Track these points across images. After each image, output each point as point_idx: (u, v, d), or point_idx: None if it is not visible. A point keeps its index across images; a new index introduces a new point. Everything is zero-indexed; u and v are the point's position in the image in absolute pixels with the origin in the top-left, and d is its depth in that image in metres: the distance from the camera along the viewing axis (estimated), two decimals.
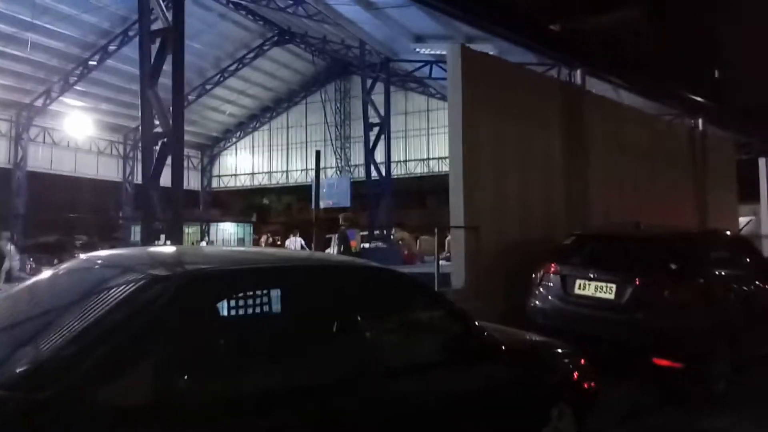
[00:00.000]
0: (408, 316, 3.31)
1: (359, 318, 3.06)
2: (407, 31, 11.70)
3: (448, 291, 7.17)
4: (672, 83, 11.62)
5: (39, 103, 21.62)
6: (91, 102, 22.72)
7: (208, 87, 24.24)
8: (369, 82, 16.23)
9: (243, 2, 18.91)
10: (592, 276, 6.15)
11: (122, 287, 2.33)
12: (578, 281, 6.25)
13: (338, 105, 26.21)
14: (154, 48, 6.03)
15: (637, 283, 5.88)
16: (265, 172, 28.70)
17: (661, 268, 5.97)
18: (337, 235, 9.93)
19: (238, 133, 28.87)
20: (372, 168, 16.61)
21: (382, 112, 16.38)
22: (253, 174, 29.04)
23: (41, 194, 23.65)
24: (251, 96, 26.67)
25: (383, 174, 16.50)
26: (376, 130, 16.12)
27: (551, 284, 6.50)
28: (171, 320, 2.20)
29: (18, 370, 1.91)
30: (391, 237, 13.23)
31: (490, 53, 8.75)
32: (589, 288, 6.16)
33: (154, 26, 6.30)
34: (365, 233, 13.72)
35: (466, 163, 7.33)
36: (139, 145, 25.45)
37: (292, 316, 2.73)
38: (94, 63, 20.40)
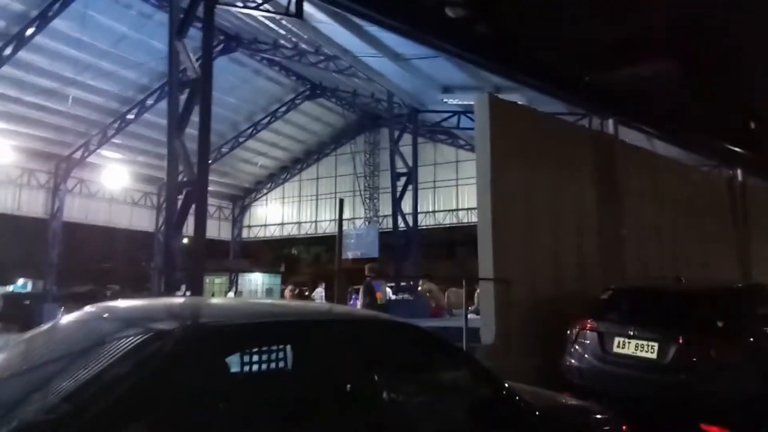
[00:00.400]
0: (432, 377, 3.06)
1: (377, 378, 2.83)
2: (435, 82, 11.77)
3: (478, 347, 6.84)
4: (707, 133, 11.32)
5: (78, 155, 22.24)
6: (128, 154, 23.31)
7: (241, 140, 24.74)
8: (396, 133, 16.31)
9: (276, 58, 19.40)
10: (631, 333, 5.78)
11: (122, 341, 2.18)
12: (617, 339, 5.89)
13: (368, 156, 26.41)
14: (183, 99, 6.11)
15: (681, 341, 5.49)
16: (295, 223, 28.83)
17: (707, 325, 5.58)
18: (362, 287, 9.73)
19: (269, 184, 29.23)
20: (399, 218, 16.49)
21: (410, 163, 16.39)
22: (282, 224, 29.21)
23: (76, 244, 24.15)
24: (283, 148, 27.10)
25: (410, 224, 16.33)
26: (403, 180, 16.09)
27: (588, 342, 6.14)
28: (170, 377, 2.02)
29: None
30: (419, 289, 12.93)
31: (519, 102, 8.65)
32: (629, 346, 5.79)
33: (184, 78, 6.41)
34: (392, 285, 13.48)
35: (495, 213, 7.11)
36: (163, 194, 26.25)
37: (302, 375, 2.52)
38: (132, 117, 21.01)
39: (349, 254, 24.32)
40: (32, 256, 23.28)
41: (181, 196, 5.85)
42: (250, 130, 24.41)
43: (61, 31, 16.90)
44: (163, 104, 20.80)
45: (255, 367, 2.37)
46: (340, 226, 5.85)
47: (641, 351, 5.66)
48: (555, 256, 7.87)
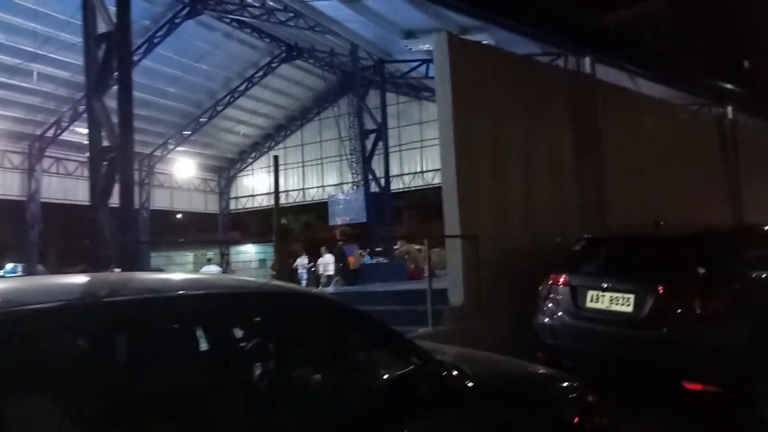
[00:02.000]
0: (336, 355, 2.54)
1: (263, 361, 2.31)
2: (395, 26, 10.97)
3: (445, 309, 6.36)
4: (696, 70, 10.64)
5: (50, 133, 21.59)
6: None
7: (219, 108, 23.95)
8: (364, 89, 15.41)
9: (245, 19, 18.51)
10: (605, 286, 5.27)
11: None
12: (590, 292, 5.38)
13: (352, 119, 25.60)
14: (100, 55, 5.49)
15: (660, 291, 4.98)
16: (282, 191, 28.22)
17: (688, 272, 5.05)
18: (334, 251, 9.24)
19: (254, 153, 28.53)
20: (374, 180, 15.81)
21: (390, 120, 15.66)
22: (269, 194, 28.62)
23: (59, 225, 23.62)
24: (264, 115, 26.29)
25: (385, 186, 15.72)
26: (373, 138, 15.40)
27: (560, 297, 5.64)
28: None
29: None
30: (395, 251, 12.41)
31: (484, 42, 7.97)
32: (603, 300, 5.28)
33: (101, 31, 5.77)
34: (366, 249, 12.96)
35: (459, 164, 6.54)
36: (144, 169, 25.59)
37: (146, 366, 1.98)
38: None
39: (338, 220, 23.83)
40: (14, 239, 22.83)
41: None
42: (227, 98, 23.60)
43: (16, 3, 16.07)
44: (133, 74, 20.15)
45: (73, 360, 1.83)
46: (276, 184, 5.27)
47: (616, 304, 5.16)
48: (529, 207, 7.33)
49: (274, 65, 22.83)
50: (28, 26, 16.54)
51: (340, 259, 8.96)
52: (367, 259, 11.54)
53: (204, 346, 2.15)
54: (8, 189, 21.71)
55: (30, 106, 20.01)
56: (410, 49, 11.42)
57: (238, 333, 2.32)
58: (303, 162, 27.48)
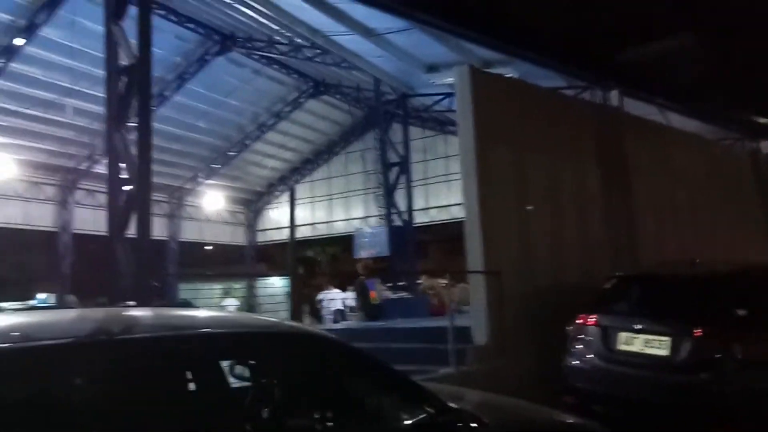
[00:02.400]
0: (337, 401, 2.36)
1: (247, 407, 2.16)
2: (417, 60, 10.95)
3: (468, 348, 6.12)
4: (728, 104, 10.36)
5: (84, 165, 22.08)
6: None
7: (247, 143, 24.29)
8: (389, 122, 15.36)
9: (273, 55, 18.85)
10: (639, 327, 5.00)
11: None
12: (622, 334, 5.11)
13: (378, 152, 25.67)
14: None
15: (697, 335, 4.69)
16: (308, 224, 28.29)
17: (727, 314, 4.76)
18: (355, 286, 9.07)
19: (281, 186, 28.74)
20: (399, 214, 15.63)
21: (413, 154, 15.56)
22: (296, 226, 28.69)
23: (90, 255, 23.98)
24: (292, 149, 26.57)
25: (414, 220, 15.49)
26: (398, 172, 15.28)
27: (590, 338, 5.37)
28: None
29: None
30: (419, 286, 12.17)
31: (508, 76, 7.88)
32: (637, 343, 5.00)
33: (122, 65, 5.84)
34: (390, 284, 12.74)
35: (482, 199, 6.38)
36: (174, 201, 25.96)
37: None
38: (134, 124, 20.66)
39: (363, 253, 23.69)
40: (47, 269, 23.19)
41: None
42: (256, 132, 23.93)
43: (54, 41, 16.64)
44: (163, 110, 20.60)
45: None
46: (292, 219, 5.17)
47: (651, 347, 4.88)
48: (555, 243, 7.10)
49: (301, 101, 23.14)
50: (65, 62, 17.08)
51: (361, 293, 8.79)
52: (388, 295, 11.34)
53: (192, 386, 2.02)
54: (42, 220, 22.15)
55: (64, 140, 20.54)
56: (433, 83, 11.40)
57: (231, 373, 2.18)
58: (330, 195, 27.54)
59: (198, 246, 28.98)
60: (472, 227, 6.35)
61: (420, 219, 21.23)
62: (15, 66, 16.27)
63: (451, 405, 2.57)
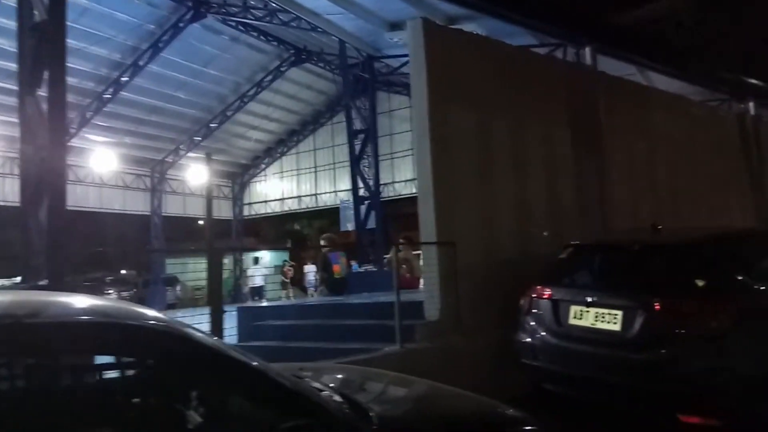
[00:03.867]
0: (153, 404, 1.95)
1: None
2: (379, 18, 10.36)
3: (418, 324, 5.73)
4: (713, 62, 9.81)
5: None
6: (114, 137, 22.56)
7: (229, 113, 23.73)
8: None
9: (249, 21, 18.17)
10: (589, 300, 4.60)
11: None
12: (573, 308, 4.71)
13: (364, 124, 25.09)
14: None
15: (651, 308, 4.29)
16: (295, 197, 27.87)
17: (685, 285, 4.35)
18: (317, 260, 8.68)
19: (267, 159, 28.25)
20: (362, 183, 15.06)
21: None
22: (282, 199, 28.28)
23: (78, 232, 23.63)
24: (276, 120, 25.98)
25: (375, 191, 15.06)
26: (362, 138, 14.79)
27: (541, 312, 4.98)
28: None
29: None
30: (384, 259, 11.72)
31: (466, 30, 7.33)
32: (587, 317, 4.61)
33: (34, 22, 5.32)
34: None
35: (436, 164, 5.92)
36: (156, 175, 25.49)
37: None
38: (109, 96, 20.13)
39: (349, 226, 23.27)
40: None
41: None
42: (237, 103, 23.34)
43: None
44: (139, 80, 19.97)
45: None
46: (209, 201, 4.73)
47: (601, 322, 4.48)
48: (518, 211, 6.67)
49: (283, 69, 22.49)
50: None
51: (324, 267, 8.41)
52: (354, 267, 10.95)
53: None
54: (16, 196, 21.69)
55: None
56: (396, 41, 10.80)
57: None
58: (316, 167, 27.06)
59: (184, 220, 28.58)
60: (425, 195, 5.91)
61: (387, 193, 20.94)
62: None
63: (329, 407, 2.15)
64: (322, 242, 8.95)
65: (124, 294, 25.70)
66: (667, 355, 4.13)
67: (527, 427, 2.77)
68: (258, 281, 20.87)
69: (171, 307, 23.07)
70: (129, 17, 18.05)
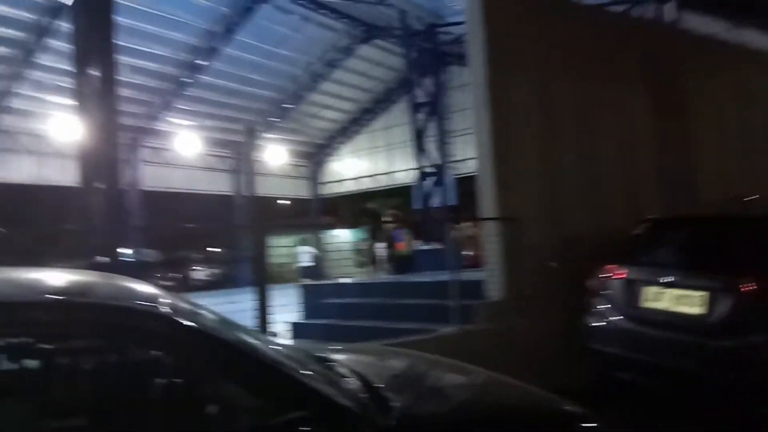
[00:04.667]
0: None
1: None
2: None
3: (478, 304, 5.43)
4: None
5: (144, 124, 22.55)
6: (196, 120, 23.36)
7: (302, 94, 23.94)
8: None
9: None
10: (669, 281, 4.14)
11: None
12: (648, 289, 4.26)
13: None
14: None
15: (740, 290, 3.79)
16: (369, 176, 27.88)
17: None
18: (383, 237, 8.47)
19: (341, 138, 28.38)
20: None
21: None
22: (357, 178, 28.39)
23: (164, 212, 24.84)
24: (348, 99, 25.98)
25: (440, 164, 14.50)
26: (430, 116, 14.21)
27: (613, 293, 4.56)
28: None
29: None
30: (451, 235, 11.25)
31: None
32: (665, 299, 4.16)
33: None
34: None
35: (496, 135, 5.54)
36: (238, 156, 26.17)
37: None
38: (189, 80, 20.80)
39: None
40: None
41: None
42: (310, 83, 23.48)
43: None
44: (218, 64, 20.48)
45: None
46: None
47: (681, 305, 4.02)
48: (588, 184, 6.16)
49: (354, 47, 22.35)
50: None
51: (388, 244, 8.20)
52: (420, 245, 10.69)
53: None
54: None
55: (124, 99, 20.85)
56: (455, 6, 10.24)
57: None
58: (390, 145, 26.84)
59: (263, 200, 29.30)
60: (485, 167, 5.55)
61: (466, 170, 20.30)
62: None
63: (332, 397, 1.94)
64: (385, 219, 8.76)
65: (216, 271, 26.97)
66: (756, 342, 3.63)
67: (586, 424, 2.46)
68: (305, 260, 21.29)
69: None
70: (204, 1, 18.50)
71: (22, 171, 20.57)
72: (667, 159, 6.77)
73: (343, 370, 2.45)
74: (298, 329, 6.11)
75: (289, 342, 3.76)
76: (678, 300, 4.05)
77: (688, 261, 4.27)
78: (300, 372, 1.97)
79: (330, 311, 6.42)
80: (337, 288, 7.26)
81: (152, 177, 23.90)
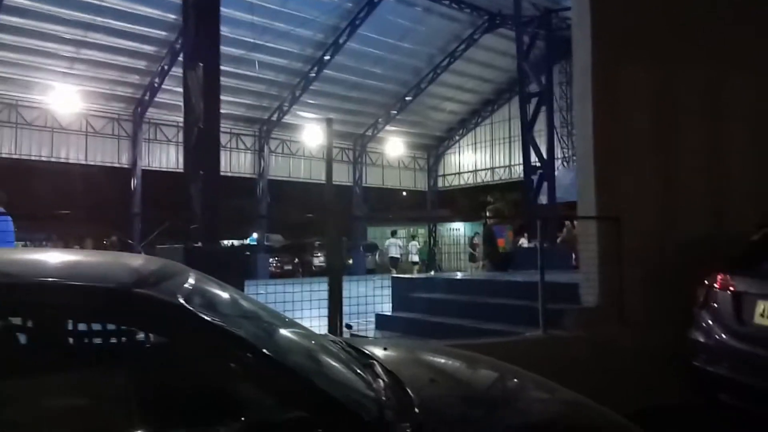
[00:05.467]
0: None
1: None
2: None
3: (571, 309, 5.08)
4: None
5: (275, 117, 23.68)
6: (321, 113, 24.19)
7: (423, 86, 23.95)
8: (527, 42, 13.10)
9: None
10: None
11: None
12: (761, 303, 3.72)
13: (563, 89, 23.49)
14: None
15: None
16: (488, 169, 27.33)
17: None
18: (482, 232, 8.16)
19: (461, 130, 28.08)
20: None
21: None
22: (476, 171, 27.94)
23: (283, 199, 26.14)
24: (469, 90, 25.61)
25: (548, 158, 13.68)
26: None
27: (721, 306, 4.05)
28: None
29: None
30: (560, 234, 10.59)
31: None
32: None
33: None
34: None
35: (598, 125, 5.13)
36: (357, 148, 26.70)
37: None
38: (314, 75, 21.55)
39: (543, 198, 22.14)
40: (245, 212, 25.81)
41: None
42: (431, 75, 23.42)
43: None
44: (340, 58, 21.03)
45: None
46: (329, 159, 4.58)
47: None
48: (710, 181, 5.51)
49: (476, 37, 21.96)
50: (245, 17, 18.04)
51: (489, 241, 7.93)
52: (524, 243, 10.17)
53: None
54: (241, 168, 24.46)
55: (256, 93, 22.12)
56: None
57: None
58: (510, 137, 26.11)
59: (381, 191, 29.82)
60: (585, 162, 5.15)
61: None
62: None
63: (341, 399, 1.85)
64: (487, 214, 8.50)
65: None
66: None
67: None
68: (393, 252, 21.19)
69: (370, 272, 24.20)
70: None
71: (170, 160, 22.57)
72: None
73: (378, 370, 2.36)
74: (382, 321, 6.09)
75: (344, 336, 3.72)
76: None
77: None
78: (306, 367, 1.92)
79: (417, 305, 6.34)
80: (426, 282, 7.14)
81: (279, 168, 25.19)
